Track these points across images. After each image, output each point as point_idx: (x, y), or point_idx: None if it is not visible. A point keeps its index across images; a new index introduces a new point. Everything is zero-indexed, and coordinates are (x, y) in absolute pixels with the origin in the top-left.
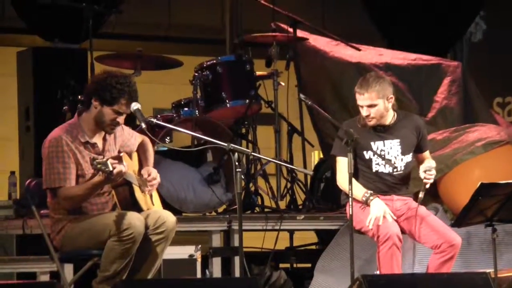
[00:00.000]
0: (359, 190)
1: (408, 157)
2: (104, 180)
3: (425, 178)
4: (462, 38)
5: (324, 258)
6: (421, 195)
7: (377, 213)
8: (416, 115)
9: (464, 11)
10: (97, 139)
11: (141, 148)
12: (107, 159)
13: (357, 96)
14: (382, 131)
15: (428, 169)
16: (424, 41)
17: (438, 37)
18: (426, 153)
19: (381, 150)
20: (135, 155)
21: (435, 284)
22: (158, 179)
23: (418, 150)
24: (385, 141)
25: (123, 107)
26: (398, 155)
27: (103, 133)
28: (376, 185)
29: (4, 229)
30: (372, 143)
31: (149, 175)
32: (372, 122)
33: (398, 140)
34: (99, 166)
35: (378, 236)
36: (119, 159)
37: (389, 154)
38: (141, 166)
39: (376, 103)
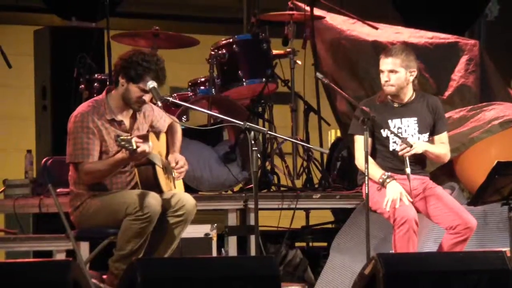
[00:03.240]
0: (376, 171)
1: (425, 137)
2: (127, 157)
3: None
4: (479, 17)
5: (340, 237)
6: (408, 171)
7: (393, 195)
8: (435, 96)
9: None
10: (125, 117)
11: (170, 131)
12: (132, 137)
13: (382, 61)
14: (399, 108)
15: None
16: (441, 20)
17: (456, 16)
18: (442, 136)
19: (398, 128)
20: (163, 137)
21: (451, 263)
22: (186, 166)
23: (434, 131)
24: (403, 119)
25: None
26: (415, 134)
27: (131, 111)
28: (394, 163)
29: (21, 207)
30: (389, 121)
31: (176, 163)
32: (389, 90)
33: (416, 118)
34: (122, 143)
35: (394, 219)
36: (145, 138)
37: (406, 132)
38: (168, 149)
39: (398, 69)
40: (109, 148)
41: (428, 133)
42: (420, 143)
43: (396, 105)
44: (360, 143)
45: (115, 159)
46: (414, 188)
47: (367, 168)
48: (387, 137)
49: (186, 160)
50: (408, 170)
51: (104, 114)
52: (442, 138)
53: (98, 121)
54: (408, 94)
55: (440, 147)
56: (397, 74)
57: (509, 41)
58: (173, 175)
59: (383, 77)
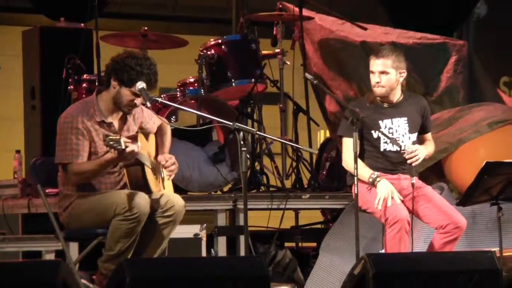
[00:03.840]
0: (365, 172)
1: (414, 136)
2: (116, 157)
3: (409, 158)
4: (468, 18)
5: (329, 237)
6: (413, 181)
7: (385, 193)
8: (421, 95)
9: None
10: (114, 119)
11: (159, 132)
12: (121, 137)
13: (372, 61)
14: (389, 109)
15: (411, 151)
16: (429, 21)
17: (444, 17)
18: (428, 135)
19: (389, 128)
20: (152, 138)
21: (440, 263)
22: (177, 165)
23: (421, 130)
24: (393, 119)
25: None
26: (405, 133)
27: (121, 113)
28: (383, 163)
29: (10, 208)
30: (380, 122)
31: (166, 161)
32: (380, 91)
33: (406, 118)
34: (111, 143)
35: (386, 219)
36: (134, 138)
37: (397, 132)
38: (157, 150)
39: (389, 71)
40: (98, 149)
41: (417, 133)
42: (421, 149)
43: (386, 105)
44: (348, 145)
45: (104, 159)
46: (404, 188)
47: (357, 168)
48: (378, 138)
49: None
50: (413, 180)
51: (94, 116)
52: (429, 136)
53: (87, 122)
54: (397, 94)
55: (430, 146)
56: (388, 75)
57: (498, 41)
58: (163, 175)
59: (374, 78)
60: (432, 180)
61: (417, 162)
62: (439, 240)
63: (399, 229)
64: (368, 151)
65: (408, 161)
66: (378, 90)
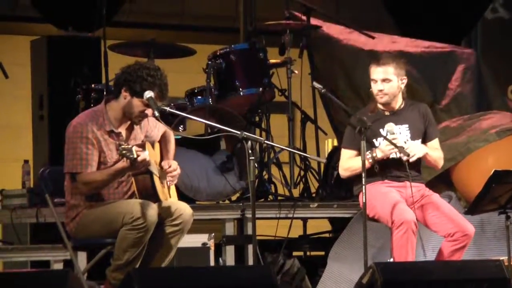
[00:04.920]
0: (358, 160)
1: (418, 143)
2: (128, 167)
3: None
4: (476, 26)
5: (337, 246)
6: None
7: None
8: (422, 103)
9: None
10: (122, 129)
11: (163, 140)
12: (132, 146)
13: (373, 70)
14: (390, 117)
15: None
16: (437, 29)
17: (452, 25)
18: (435, 143)
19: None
20: (157, 146)
21: (449, 272)
22: (179, 171)
23: (426, 138)
24: (394, 127)
25: None
26: (408, 140)
27: (128, 122)
28: (389, 171)
29: (18, 217)
30: (381, 130)
31: (169, 166)
32: (383, 99)
33: (407, 125)
34: (124, 152)
35: (392, 222)
36: (141, 147)
37: (399, 139)
38: (162, 157)
39: (391, 78)
40: (107, 158)
41: (420, 140)
42: (417, 146)
43: (387, 113)
44: (344, 155)
45: (115, 169)
46: (410, 196)
47: (365, 177)
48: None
49: (183, 170)
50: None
51: (103, 125)
52: (435, 144)
53: (97, 131)
54: (399, 102)
55: (436, 152)
56: (390, 83)
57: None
58: (166, 180)
59: (376, 87)
60: (440, 189)
61: (413, 158)
62: (448, 248)
63: (406, 230)
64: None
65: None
66: (382, 99)
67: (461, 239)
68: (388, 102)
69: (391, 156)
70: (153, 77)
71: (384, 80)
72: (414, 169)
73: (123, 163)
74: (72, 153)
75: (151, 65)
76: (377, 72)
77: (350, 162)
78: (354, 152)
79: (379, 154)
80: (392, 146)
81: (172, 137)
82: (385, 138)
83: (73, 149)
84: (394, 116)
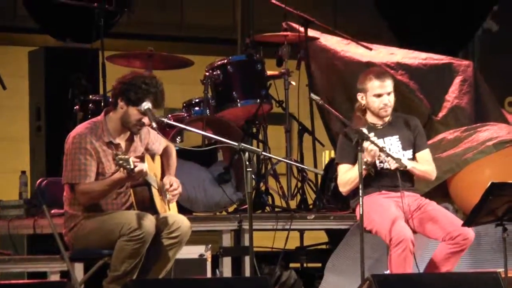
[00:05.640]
0: (354, 171)
1: (409, 153)
2: (125, 177)
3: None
4: (473, 37)
5: (334, 258)
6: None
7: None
8: (412, 115)
9: (476, 10)
10: (122, 140)
11: (165, 154)
12: (130, 157)
13: (377, 84)
14: (381, 129)
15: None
16: (435, 40)
17: (450, 37)
18: (425, 154)
19: (383, 147)
20: (157, 159)
21: (446, 284)
22: (180, 189)
23: (415, 148)
24: (385, 138)
25: None
26: (399, 151)
27: (128, 134)
28: (384, 181)
29: (15, 228)
30: (373, 140)
31: (171, 185)
32: (387, 112)
33: (397, 136)
34: (121, 162)
35: (390, 239)
36: (140, 159)
37: (390, 151)
38: (163, 171)
39: (392, 90)
40: (105, 170)
41: (411, 150)
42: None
43: (379, 126)
44: (342, 171)
45: (112, 179)
46: (409, 205)
47: (362, 189)
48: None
49: (180, 181)
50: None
51: (102, 136)
52: (425, 156)
53: (95, 142)
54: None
55: (425, 165)
56: (392, 95)
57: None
58: (168, 196)
59: (383, 100)
60: (437, 201)
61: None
62: (445, 250)
63: (404, 248)
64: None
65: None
66: (386, 112)
67: (461, 242)
68: (389, 115)
69: (385, 166)
70: (147, 85)
71: (389, 93)
72: (408, 179)
73: (120, 174)
74: (71, 164)
75: (146, 74)
76: (385, 86)
77: (347, 175)
78: (349, 166)
79: (368, 157)
80: (375, 147)
81: (173, 151)
82: (381, 149)
83: (72, 160)
84: (384, 128)
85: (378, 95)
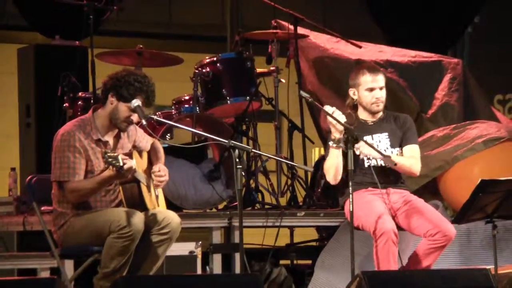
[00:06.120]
0: (329, 157)
1: (398, 150)
2: (114, 175)
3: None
4: (462, 35)
5: (324, 255)
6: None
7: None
8: (404, 114)
9: (465, 9)
10: (109, 137)
11: (153, 149)
12: (118, 154)
13: (370, 78)
14: (371, 126)
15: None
16: (424, 38)
17: (439, 35)
18: (411, 148)
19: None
20: (145, 155)
21: (436, 280)
22: (167, 177)
23: (403, 142)
24: (373, 135)
25: None
26: (387, 148)
27: (116, 131)
28: (371, 178)
29: (5, 225)
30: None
31: (159, 170)
32: (380, 107)
33: (386, 134)
34: (110, 160)
35: (374, 231)
36: (129, 156)
37: (378, 147)
38: (150, 166)
39: (384, 85)
40: (94, 167)
41: (399, 147)
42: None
43: (370, 123)
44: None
45: (102, 177)
46: (394, 202)
47: (351, 186)
48: (359, 154)
49: (170, 178)
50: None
51: (91, 134)
52: (413, 151)
53: (84, 140)
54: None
55: (410, 159)
56: (383, 91)
57: (492, 59)
58: (157, 192)
59: (375, 95)
60: (426, 198)
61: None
62: (426, 246)
63: (386, 240)
64: (355, 168)
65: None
66: (379, 107)
67: (441, 239)
68: (381, 110)
69: (372, 164)
70: (140, 83)
71: (381, 88)
72: (396, 176)
73: (109, 171)
74: (60, 161)
75: (139, 72)
76: (377, 80)
77: (326, 163)
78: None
79: (336, 134)
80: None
81: (160, 146)
82: (370, 146)
83: (61, 158)
84: (374, 125)
85: (371, 89)
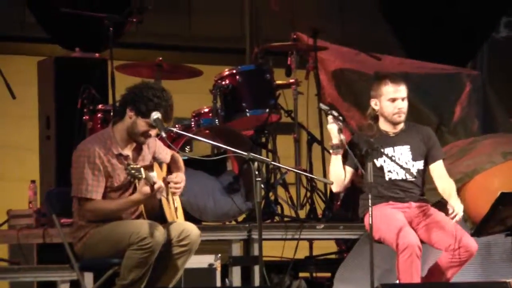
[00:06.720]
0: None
1: (420, 164)
2: (143, 198)
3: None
4: (482, 48)
5: (343, 267)
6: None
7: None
8: (425, 126)
9: (484, 22)
10: (129, 150)
11: (173, 161)
12: (140, 166)
13: (392, 89)
14: (392, 138)
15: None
16: (444, 51)
17: (458, 48)
18: (440, 166)
19: (392, 156)
20: (164, 167)
21: None
22: (183, 185)
23: (429, 159)
24: (395, 147)
25: None
26: (409, 161)
27: (135, 143)
28: (392, 192)
29: (25, 238)
30: (382, 151)
31: (176, 177)
32: (401, 118)
33: (408, 146)
34: (133, 171)
35: (397, 245)
36: (150, 168)
37: (400, 160)
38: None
39: (406, 97)
40: (114, 183)
41: (422, 161)
42: (458, 205)
43: (392, 134)
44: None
45: (129, 200)
46: (415, 216)
47: (370, 198)
48: (381, 167)
49: (190, 190)
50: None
51: (111, 148)
52: (440, 168)
53: (104, 156)
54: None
55: (451, 184)
56: (405, 101)
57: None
58: (176, 204)
59: (398, 105)
60: (446, 211)
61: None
62: (447, 260)
63: (410, 254)
64: (376, 181)
65: (453, 220)
66: (400, 118)
67: (462, 255)
68: (403, 121)
69: (393, 178)
70: (159, 98)
71: (403, 99)
72: (418, 189)
73: (137, 195)
74: (79, 177)
75: (157, 85)
76: (399, 91)
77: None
78: (349, 168)
79: (334, 140)
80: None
81: (180, 158)
82: (390, 158)
83: (80, 174)
84: (396, 137)
85: (393, 100)
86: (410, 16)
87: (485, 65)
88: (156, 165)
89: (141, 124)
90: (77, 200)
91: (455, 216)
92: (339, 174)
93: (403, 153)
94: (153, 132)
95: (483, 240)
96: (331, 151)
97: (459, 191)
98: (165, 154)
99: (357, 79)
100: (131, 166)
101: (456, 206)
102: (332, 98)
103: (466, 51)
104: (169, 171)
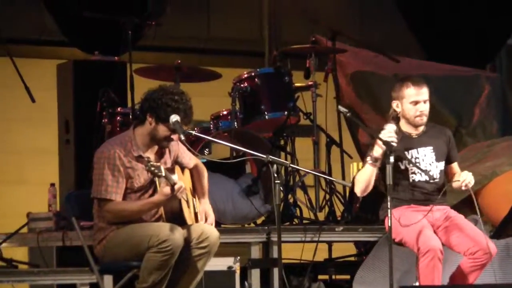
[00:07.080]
0: (363, 170)
1: (442, 165)
2: (164, 199)
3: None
4: (501, 49)
5: (363, 270)
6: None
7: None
8: (444, 127)
9: (503, 22)
10: (150, 153)
11: (196, 173)
12: (160, 164)
13: (414, 91)
14: (415, 139)
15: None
16: (463, 53)
17: (478, 49)
18: (456, 165)
19: (416, 158)
20: (187, 172)
21: None
22: (212, 220)
23: (448, 160)
24: (419, 149)
25: None
26: (433, 162)
27: (156, 147)
28: (415, 195)
29: (45, 241)
30: (406, 152)
31: (206, 218)
32: (423, 120)
33: (431, 147)
34: (152, 169)
35: (418, 248)
36: (170, 171)
37: (424, 162)
38: (193, 184)
39: (428, 99)
40: (134, 184)
41: (443, 162)
42: (465, 173)
43: (414, 136)
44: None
45: (149, 201)
46: (436, 219)
47: (390, 200)
48: (406, 169)
49: (209, 193)
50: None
51: (131, 151)
52: (457, 168)
53: (124, 158)
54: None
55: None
56: (427, 104)
57: None
58: (196, 208)
59: (419, 108)
60: (465, 213)
61: (471, 184)
62: (467, 264)
63: (432, 257)
64: (399, 183)
65: (464, 188)
66: (422, 121)
67: (482, 257)
68: (424, 123)
69: (417, 179)
70: (177, 102)
71: (425, 101)
72: (439, 191)
73: (159, 196)
74: (99, 179)
75: (175, 89)
76: (422, 93)
77: (359, 174)
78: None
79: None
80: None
81: (205, 172)
82: (409, 161)
83: (100, 175)
84: (419, 138)
85: (415, 102)
86: (429, 18)
87: (504, 68)
88: (178, 169)
89: (162, 129)
90: (97, 201)
91: (467, 183)
92: (370, 184)
93: (426, 154)
94: (175, 136)
95: (503, 242)
96: (368, 160)
97: (478, 193)
98: (188, 159)
99: (375, 81)
100: (151, 163)
101: (463, 174)
102: (351, 101)
103: (485, 53)
104: (191, 177)
